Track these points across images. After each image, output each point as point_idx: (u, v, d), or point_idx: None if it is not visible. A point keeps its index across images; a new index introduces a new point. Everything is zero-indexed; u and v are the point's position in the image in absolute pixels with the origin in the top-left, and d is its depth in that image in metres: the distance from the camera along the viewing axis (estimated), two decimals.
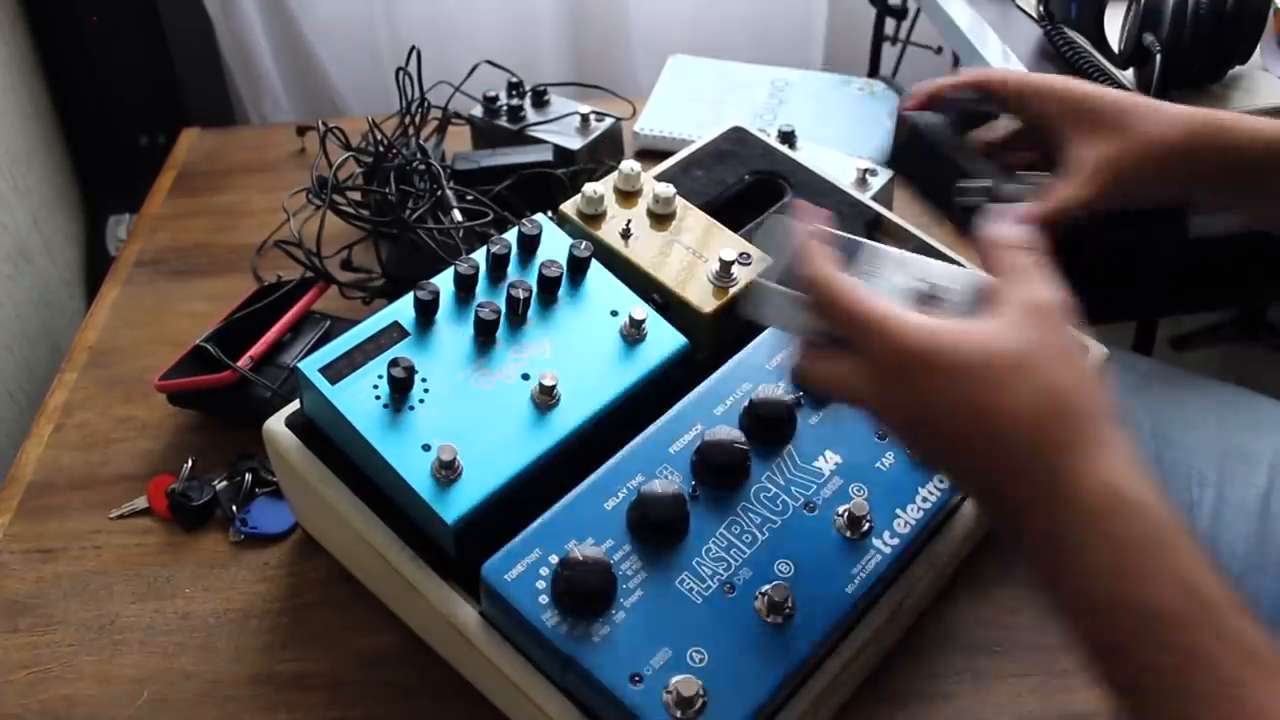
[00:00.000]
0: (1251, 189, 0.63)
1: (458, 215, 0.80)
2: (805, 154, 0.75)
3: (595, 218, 0.66)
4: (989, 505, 0.47)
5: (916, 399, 0.45)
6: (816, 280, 0.47)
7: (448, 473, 0.53)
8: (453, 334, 0.59)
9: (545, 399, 0.56)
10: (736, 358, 0.60)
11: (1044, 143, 0.64)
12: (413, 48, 0.90)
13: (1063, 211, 0.60)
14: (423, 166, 0.85)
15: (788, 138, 0.92)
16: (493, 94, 0.97)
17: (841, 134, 1.03)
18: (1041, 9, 0.98)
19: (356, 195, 0.87)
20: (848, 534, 0.54)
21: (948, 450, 0.46)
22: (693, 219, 0.67)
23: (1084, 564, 0.42)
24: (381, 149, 0.85)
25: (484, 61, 0.97)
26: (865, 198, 0.79)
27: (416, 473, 0.53)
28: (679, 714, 0.47)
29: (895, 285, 0.51)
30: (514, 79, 0.97)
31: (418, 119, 0.91)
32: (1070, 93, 0.63)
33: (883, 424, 0.48)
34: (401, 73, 0.90)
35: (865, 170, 0.85)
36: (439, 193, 0.82)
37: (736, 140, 0.78)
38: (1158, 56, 0.83)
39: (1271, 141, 0.61)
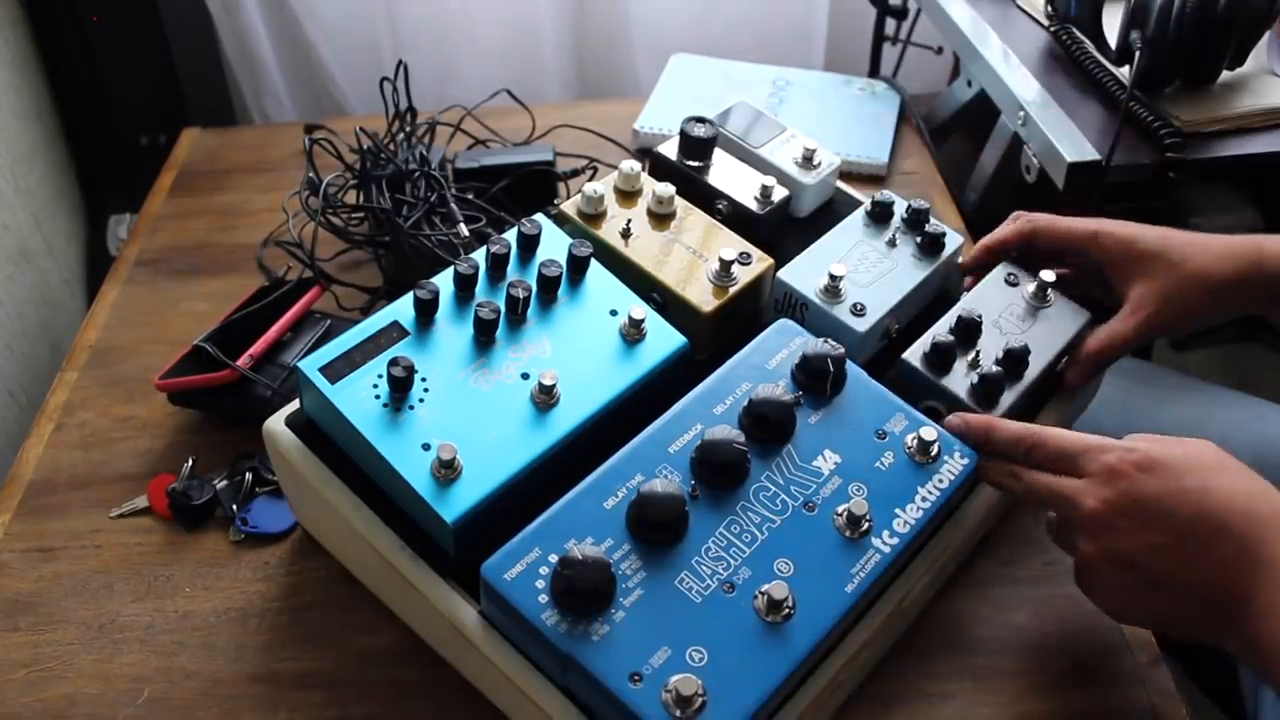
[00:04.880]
0: None
1: (464, 230, 0.80)
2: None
3: (595, 217, 0.66)
4: (1201, 612, 0.51)
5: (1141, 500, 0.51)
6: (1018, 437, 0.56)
7: (447, 472, 0.53)
8: (452, 333, 0.59)
9: (545, 398, 0.56)
10: (736, 357, 0.60)
11: (1101, 278, 0.68)
12: (399, 62, 0.90)
13: (1109, 345, 0.66)
14: (418, 173, 0.85)
15: None
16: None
17: (842, 133, 1.04)
18: (1049, 8, 0.98)
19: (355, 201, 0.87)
20: (847, 533, 0.54)
21: (1166, 561, 0.51)
22: (693, 219, 0.67)
23: None
24: (371, 158, 0.85)
25: (503, 90, 0.97)
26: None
27: (416, 472, 0.53)
28: (678, 713, 0.47)
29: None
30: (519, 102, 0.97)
31: (407, 128, 0.91)
32: (1117, 238, 0.66)
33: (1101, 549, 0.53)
34: (389, 84, 0.89)
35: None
36: (432, 198, 0.82)
37: None
38: (1138, 53, 0.84)
39: None
